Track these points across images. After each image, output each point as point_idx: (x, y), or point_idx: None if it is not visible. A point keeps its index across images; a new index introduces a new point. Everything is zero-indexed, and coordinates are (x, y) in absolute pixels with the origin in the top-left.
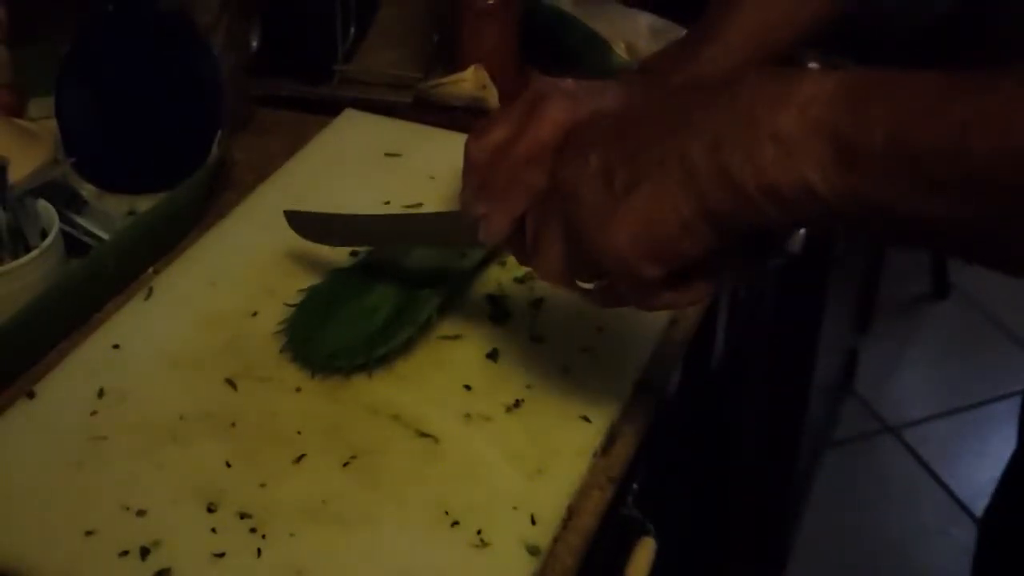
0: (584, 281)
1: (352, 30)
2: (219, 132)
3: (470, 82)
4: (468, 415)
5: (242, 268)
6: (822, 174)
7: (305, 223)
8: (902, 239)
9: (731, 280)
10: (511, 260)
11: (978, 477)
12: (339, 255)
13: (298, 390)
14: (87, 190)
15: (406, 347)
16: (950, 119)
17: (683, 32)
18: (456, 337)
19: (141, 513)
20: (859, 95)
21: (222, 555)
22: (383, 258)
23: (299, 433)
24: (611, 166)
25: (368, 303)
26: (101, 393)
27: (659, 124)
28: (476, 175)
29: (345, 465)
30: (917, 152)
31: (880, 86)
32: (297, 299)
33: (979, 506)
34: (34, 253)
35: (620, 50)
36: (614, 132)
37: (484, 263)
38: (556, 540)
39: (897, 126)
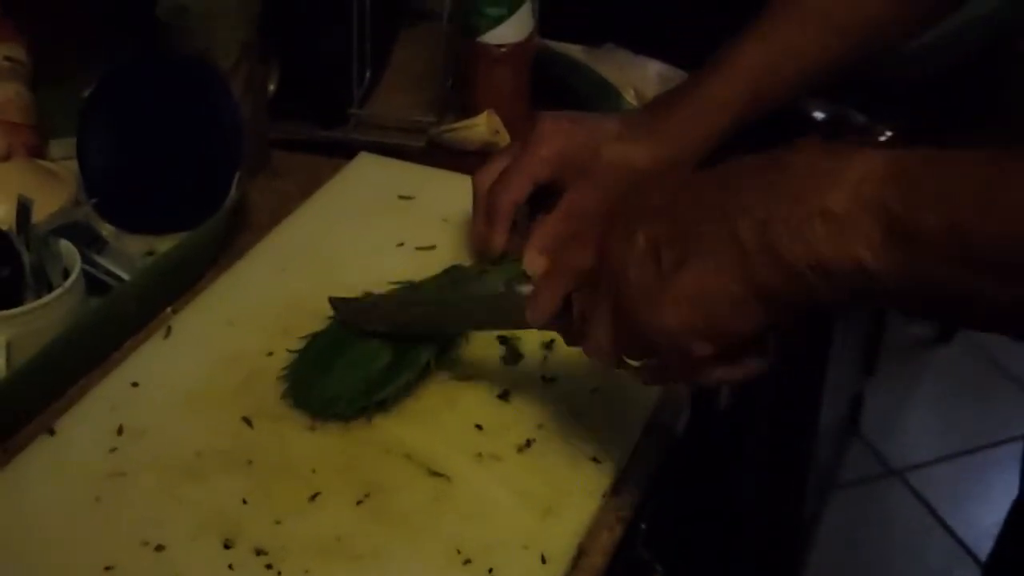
0: (634, 359)
1: (367, 75)
2: (237, 174)
3: (483, 127)
4: (479, 455)
5: (258, 308)
6: (873, 252)
7: (350, 310)
8: (954, 317)
9: (781, 352)
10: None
11: (983, 521)
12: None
13: (312, 429)
14: (107, 231)
15: (404, 391)
16: (1005, 203)
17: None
18: (468, 378)
19: (159, 548)
20: (911, 175)
21: None
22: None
23: (314, 471)
24: (659, 244)
25: (368, 349)
26: (120, 430)
27: (707, 201)
28: (479, 203)
29: (359, 503)
30: (971, 235)
31: (932, 166)
32: (300, 345)
33: (983, 549)
34: (57, 292)
35: (630, 97)
36: (661, 209)
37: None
38: None
39: (951, 209)
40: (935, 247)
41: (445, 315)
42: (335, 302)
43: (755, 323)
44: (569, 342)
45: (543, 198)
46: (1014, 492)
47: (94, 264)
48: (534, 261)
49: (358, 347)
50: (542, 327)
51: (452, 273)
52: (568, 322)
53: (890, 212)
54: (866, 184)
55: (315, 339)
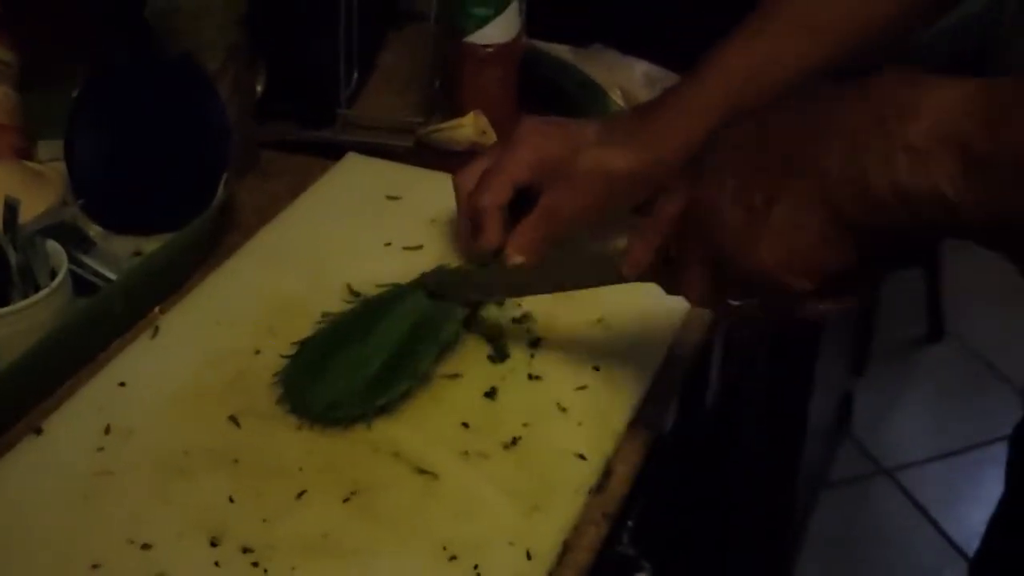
0: (735, 300)
1: (355, 76)
2: (224, 175)
3: (470, 127)
4: (466, 452)
5: (246, 308)
6: (954, 185)
7: (440, 282)
8: None
9: (879, 283)
10: (509, 301)
11: (972, 519)
12: (337, 297)
13: (299, 428)
14: (95, 231)
15: (405, 396)
16: None
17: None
18: (455, 376)
19: (146, 547)
20: (990, 107)
21: None
22: (378, 305)
23: (301, 469)
24: (748, 184)
25: (363, 352)
26: (108, 430)
27: (791, 136)
28: (461, 203)
29: (345, 501)
30: None
31: (1012, 97)
32: (292, 350)
33: (973, 549)
34: (44, 292)
35: (616, 97)
36: (747, 148)
37: (476, 309)
38: (551, 575)
39: None
40: (1013, 177)
41: (536, 276)
42: (426, 277)
43: (847, 256)
44: (669, 291)
45: (522, 202)
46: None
47: (81, 264)
48: (513, 262)
49: (349, 352)
50: (637, 279)
51: (438, 273)
52: (665, 271)
53: (968, 145)
54: (945, 117)
55: (305, 344)
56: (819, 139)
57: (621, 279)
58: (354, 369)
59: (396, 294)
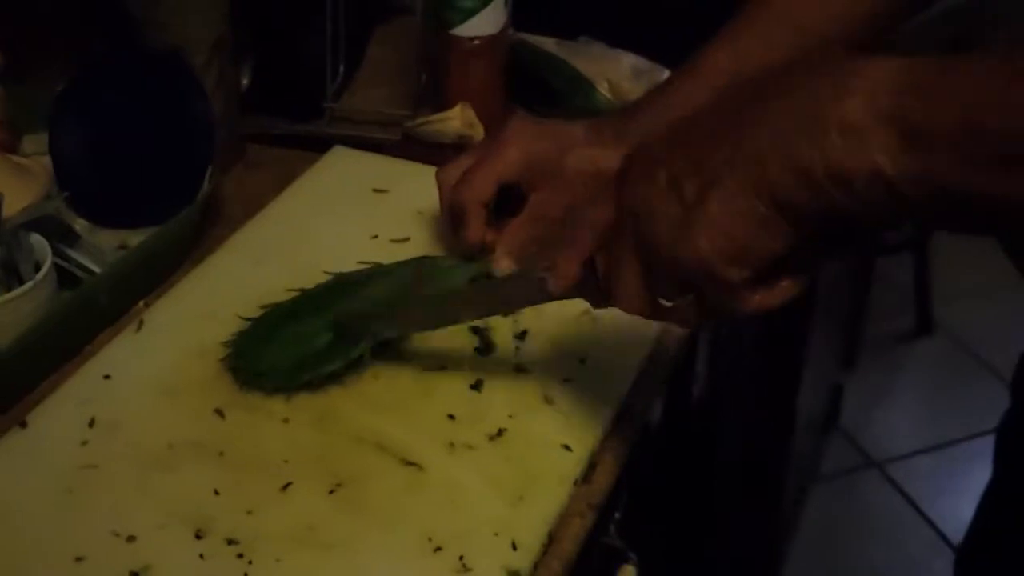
0: (669, 300)
1: (341, 69)
2: (210, 168)
3: (457, 120)
4: (452, 444)
5: (231, 301)
6: (891, 159)
7: (350, 327)
8: (973, 223)
9: (817, 270)
10: None
11: (961, 512)
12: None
13: (285, 420)
14: (80, 224)
15: (331, 379)
16: (1007, 98)
17: (665, 72)
18: (441, 368)
19: (131, 539)
20: (924, 80)
21: None
22: (347, 284)
23: (286, 462)
24: (679, 177)
25: (311, 327)
26: (92, 423)
27: (720, 126)
28: (443, 199)
29: (331, 493)
30: (987, 132)
31: (945, 69)
32: (257, 314)
33: None
34: (28, 285)
35: (603, 89)
36: (676, 143)
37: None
38: (537, 566)
39: (965, 108)
40: (951, 148)
41: (458, 305)
42: (339, 318)
43: (784, 241)
44: (597, 304)
45: (507, 201)
46: None
47: (66, 258)
48: (502, 263)
49: (301, 325)
50: (566, 296)
51: (422, 263)
52: (592, 284)
53: (905, 118)
54: (880, 92)
55: (268, 312)
56: (752, 126)
57: (548, 296)
58: (300, 341)
59: (371, 274)
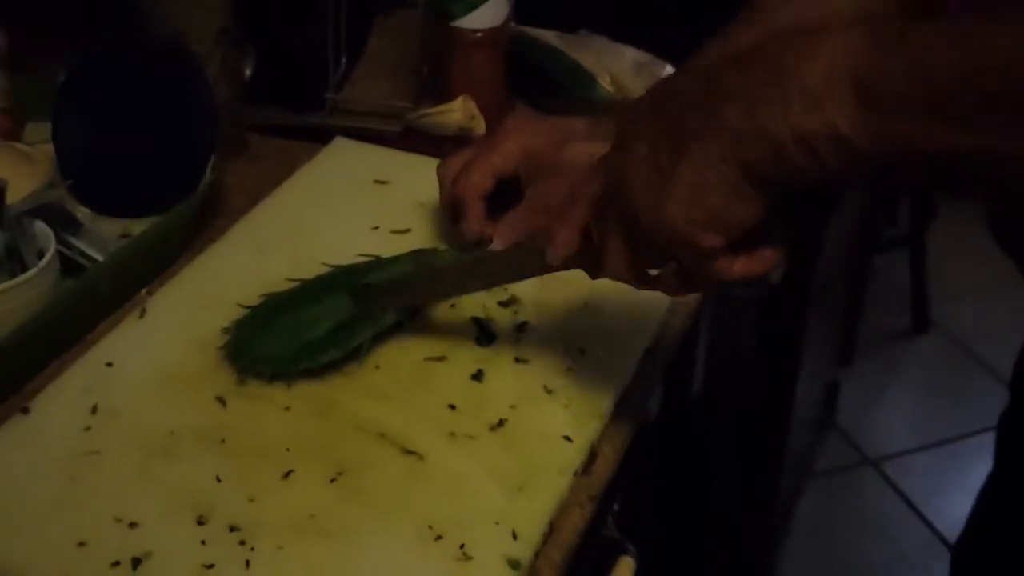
0: (653, 269)
1: (343, 60)
2: (212, 158)
3: (458, 112)
4: (452, 434)
5: (233, 290)
6: (849, 120)
7: (366, 301)
8: (933, 181)
9: (794, 239)
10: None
11: (957, 510)
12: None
13: (287, 408)
14: (82, 213)
15: (330, 367)
16: (978, 49)
17: (667, 67)
18: (442, 358)
19: (133, 525)
20: (881, 40)
21: (211, 567)
22: (348, 275)
23: (287, 450)
24: (655, 146)
25: (310, 315)
26: (95, 409)
27: (695, 98)
28: (444, 192)
29: (332, 481)
30: (939, 84)
31: (903, 31)
32: (257, 302)
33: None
34: (31, 273)
35: (605, 83)
36: (654, 113)
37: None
38: (537, 555)
39: (921, 64)
40: (908, 104)
41: (463, 275)
42: (359, 291)
43: (754, 208)
44: (592, 275)
45: (506, 195)
46: None
47: (69, 246)
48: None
49: (300, 313)
50: (563, 266)
51: (421, 254)
52: (588, 255)
53: (861, 79)
54: (839, 56)
55: (268, 300)
56: (723, 96)
57: (547, 268)
58: (299, 330)
59: (372, 265)
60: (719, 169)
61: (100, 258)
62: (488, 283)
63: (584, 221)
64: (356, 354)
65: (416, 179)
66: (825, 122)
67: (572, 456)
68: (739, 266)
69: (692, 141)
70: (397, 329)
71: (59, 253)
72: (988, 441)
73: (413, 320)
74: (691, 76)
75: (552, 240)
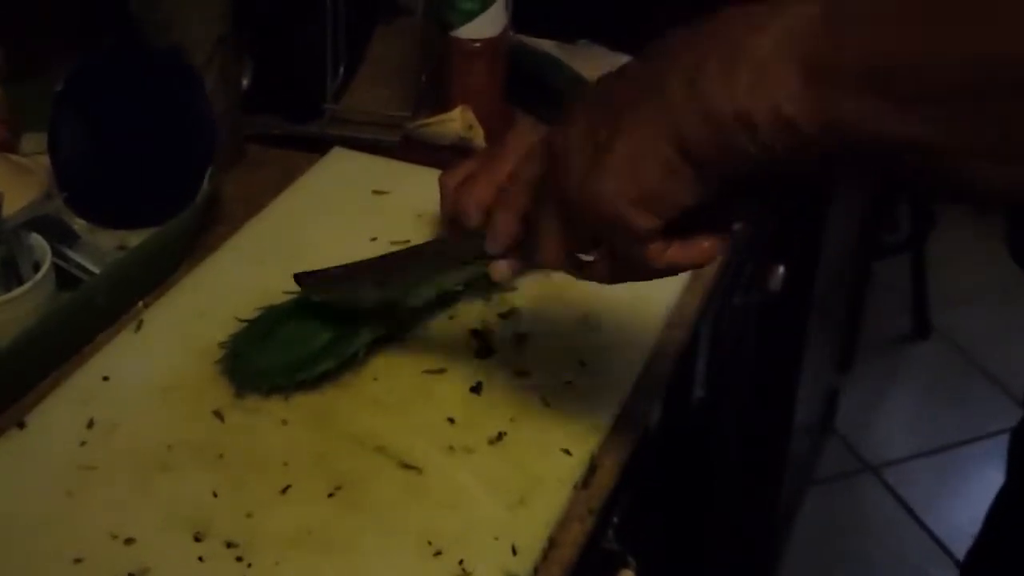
0: (585, 254)
1: (341, 70)
2: (210, 169)
3: (457, 122)
4: (451, 447)
5: (230, 302)
6: (790, 98)
7: (317, 283)
8: (877, 169)
9: (735, 232)
10: (497, 296)
11: (958, 517)
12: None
13: (284, 422)
14: (79, 224)
15: (326, 378)
16: (918, 33)
17: None
18: (441, 371)
19: (129, 541)
20: (837, 17)
21: None
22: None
23: (285, 464)
24: (594, 123)
25: (307, 329)
26: (91, 423)
27: (642, 71)
28: (445, 203)
29: (330, 495)
30: (886, 67)
31: (855, 8)
32: (253, 316)
33: (958, 547)
34: (27, 285)
35: None
36: (598, 95)
37: (429, 304)
38: (537, 570)
39: (871, 41)
40: (854, 83)
41: (405, 264)
42: (299, 276)
43: (692, 189)
44: (528, 262)
45: None
46: (990, 489)
47: (65, 258)
48: (499, 267)
49: (298, 326)
50: (502, 253)
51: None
52: (525, 242)
53: (809, 55)
54: (793, 29)
55: (265, 313)
56: (668, 68)
57: (486, 255)
58: (297, 343)
59: None
60: (655, 144)
61: (97, 270)
62: (428, 274)
63: (523, 205)
64: (352, 363)
65: (415, 189)
66: (768, 98)
67: (572, 469)
68: (671, 252)
69: (629, 113)
70: (395, 341)
71: (55, 265)
72: (989, 448)
73: (411, 332)
74: (645, 52)
75: (492, 226)
